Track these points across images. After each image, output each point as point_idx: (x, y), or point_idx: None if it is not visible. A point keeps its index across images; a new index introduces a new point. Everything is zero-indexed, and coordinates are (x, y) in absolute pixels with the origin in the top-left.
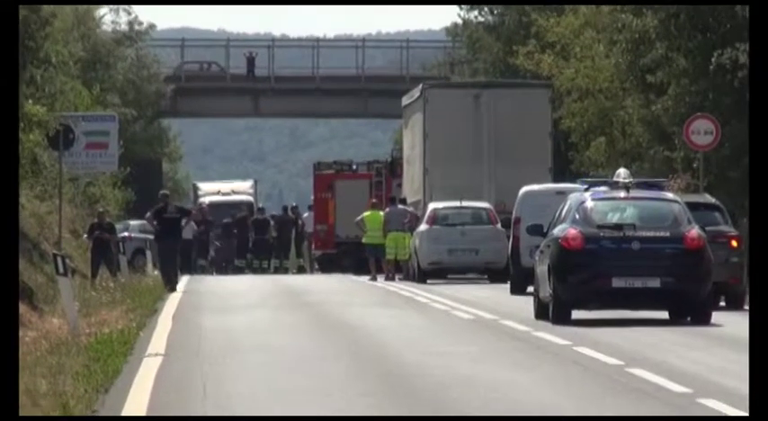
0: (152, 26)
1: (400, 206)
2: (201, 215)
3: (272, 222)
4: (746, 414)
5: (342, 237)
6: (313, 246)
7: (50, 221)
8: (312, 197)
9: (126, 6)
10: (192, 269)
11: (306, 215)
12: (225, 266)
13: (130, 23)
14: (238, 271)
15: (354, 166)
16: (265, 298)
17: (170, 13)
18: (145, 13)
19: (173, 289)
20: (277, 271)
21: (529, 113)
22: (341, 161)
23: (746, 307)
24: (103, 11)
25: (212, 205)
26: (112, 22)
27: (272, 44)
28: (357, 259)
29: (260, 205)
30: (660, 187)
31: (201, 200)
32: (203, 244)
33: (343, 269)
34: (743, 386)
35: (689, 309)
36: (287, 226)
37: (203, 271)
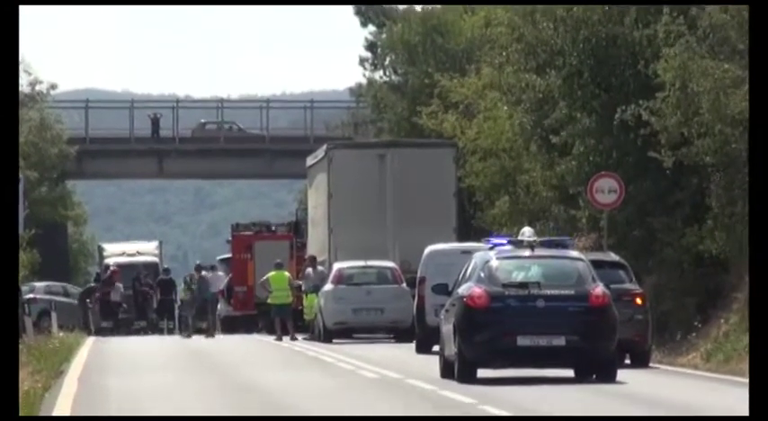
0: (53, 86)
1: (320, 268)
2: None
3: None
4: None
5: (262, 298)
6: (231, 308)
7: None
8: (218, 258)
9: (26, 66)
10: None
11: (210, 275)
12: (130, 327)
13: (31, 84)
14: (143, 332)
15: (273, 227)
16: (171, 359)
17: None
18: (47, 74)
19: None
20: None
21: (433, 173)
22: (259, 222)
23: (651, 365)
24: None
25: (117, 266)
26: None
27: (177, 105)
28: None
29: (165, 266)
30: (565, 245)
31: (107, 261)
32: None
33: (260, 330)
34: None
35: (594, 367)
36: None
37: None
